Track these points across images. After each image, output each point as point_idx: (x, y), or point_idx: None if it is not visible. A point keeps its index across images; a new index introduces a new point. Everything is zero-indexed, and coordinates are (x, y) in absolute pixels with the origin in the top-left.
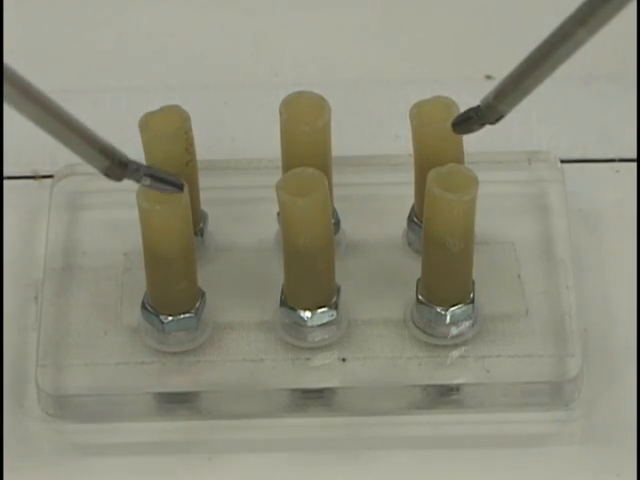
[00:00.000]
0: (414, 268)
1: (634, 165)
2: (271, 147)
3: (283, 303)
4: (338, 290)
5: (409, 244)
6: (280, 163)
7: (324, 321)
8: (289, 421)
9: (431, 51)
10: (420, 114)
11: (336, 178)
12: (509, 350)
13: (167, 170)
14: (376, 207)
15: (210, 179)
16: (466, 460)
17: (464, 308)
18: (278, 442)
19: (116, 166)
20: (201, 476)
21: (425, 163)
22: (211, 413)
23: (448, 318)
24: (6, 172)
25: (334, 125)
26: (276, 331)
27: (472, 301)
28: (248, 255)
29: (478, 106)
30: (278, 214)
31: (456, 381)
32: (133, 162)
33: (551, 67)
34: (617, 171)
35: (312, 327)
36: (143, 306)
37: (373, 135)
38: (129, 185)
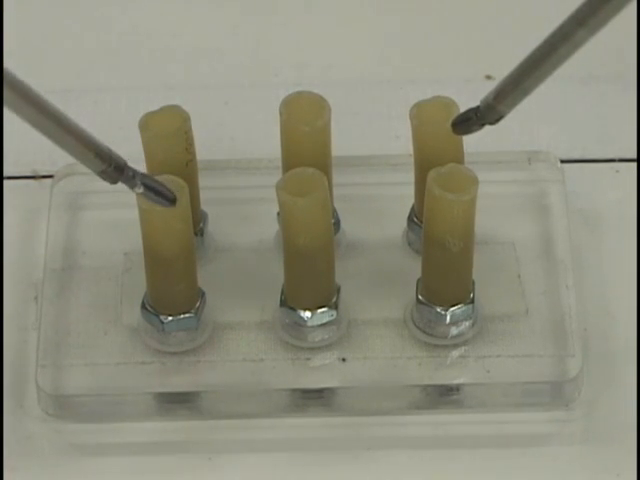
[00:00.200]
0: (414, 268)
1: (634, 165)
2: (271, 147)
3: (283, 303)
4: (338, 290)
5: (409, 244)
6: (280, 163)
7: (324, 321)
8: (289, 421)
9: (431, 51)
10: (420, 114)
11: (336, 178)
12: (509, 350)
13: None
14: (376, 207)
15: (210, 179)
16: (466, 460)
17: (464, 308)
18: (278, 442)
19: (112, 170)
20: (201, 476)
21: (425, 163)
22: (211, 413)
23: (448, 318)
24: (6, 172)
25: (334, 125)
26: (276, 331)
27: (472, 301)
28: (248, 255)
29: (478, 106)
30: (278, 214)
31: (456, 381)
32: (130, 168)
33: (551, 67)
34: (617, 171)
35: (312, 327)
36: (143, 306)
37: (373, 135)
38: None
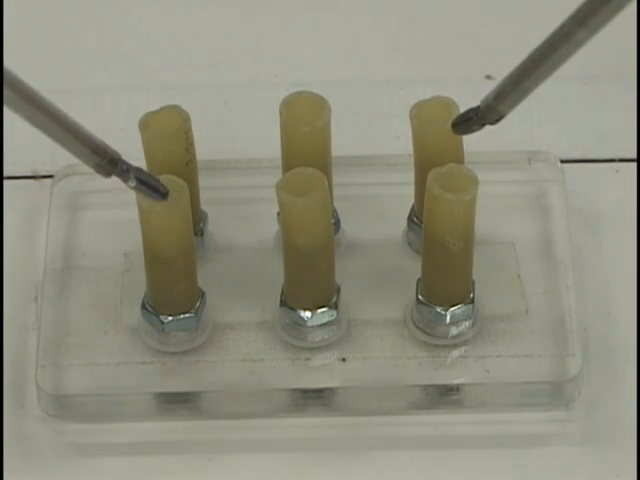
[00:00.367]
0: (414, 268)
1: (634, 165)
2: (271, 147)
3: (283, 303)
4: (338, 290)
5: (409, 244)
6: (280, 163)
7: (324, 321)
8: (289, 421)
9: (431, 51)
10: (420, 114)
11: (336, 178)
12: (509, 350)
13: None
14: (376, 207)
15: (210, 179)
16: (466, 460)
17: (464, 308)
18: (278, 442)
19: (106, 163)
20: (201, 476)
21: (425, 163)
22: (211, 413)
23: (448, 318)
24: (6, 172)
25: (334, 125)
26: (276, 331)
27: (472, 301)
28: (248, 255)
29: (478, 107)
30: (278, 214)
31: (456, 381)
32: (124, 162)
33: (551, 67)
34: (617, 171)
35: (312, 327)
36: (143, 306)
37: (373, 135)
38: None
